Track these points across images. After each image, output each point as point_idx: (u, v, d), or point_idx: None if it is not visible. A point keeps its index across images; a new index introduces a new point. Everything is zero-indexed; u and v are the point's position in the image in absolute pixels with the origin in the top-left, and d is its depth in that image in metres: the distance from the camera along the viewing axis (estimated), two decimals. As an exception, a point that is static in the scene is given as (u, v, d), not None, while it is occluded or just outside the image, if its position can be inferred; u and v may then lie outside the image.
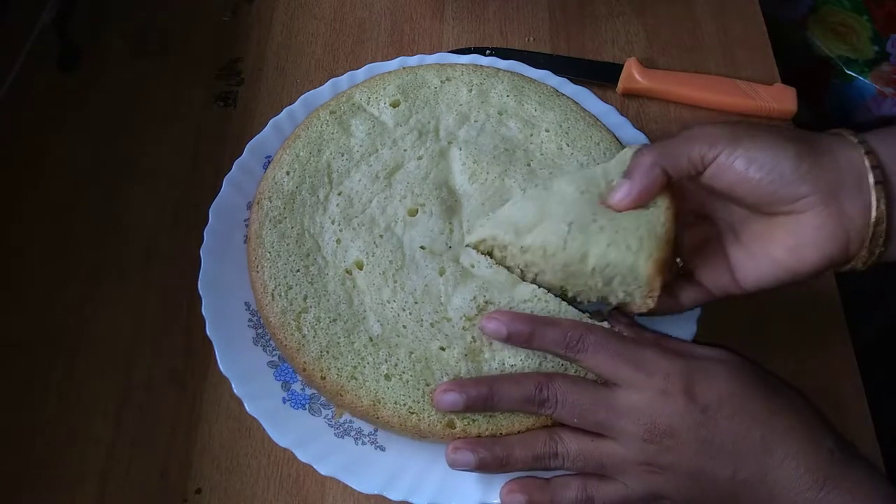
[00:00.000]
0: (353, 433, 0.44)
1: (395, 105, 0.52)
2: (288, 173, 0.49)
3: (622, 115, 0.56)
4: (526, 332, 0.41)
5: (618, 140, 0.52)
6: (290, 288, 0.45)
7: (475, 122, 0.51)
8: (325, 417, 0.45)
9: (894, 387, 0.63)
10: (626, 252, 0.41)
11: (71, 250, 0.57)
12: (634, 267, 0.41)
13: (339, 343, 0.44)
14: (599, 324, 0.43)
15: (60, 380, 0.52)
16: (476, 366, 0.43)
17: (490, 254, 0.45)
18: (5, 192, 0.59)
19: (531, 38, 0.68)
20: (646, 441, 0.39)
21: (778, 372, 0.42)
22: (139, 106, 0.63)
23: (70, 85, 0.64)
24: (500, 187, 0.48)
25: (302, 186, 0.48)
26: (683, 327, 0.47)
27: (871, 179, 0.38)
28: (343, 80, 0.56)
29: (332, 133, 0.50)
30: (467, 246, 0.46)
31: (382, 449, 0.44)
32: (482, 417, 0.42)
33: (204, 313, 0.46)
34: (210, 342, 0.45)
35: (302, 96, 0.55)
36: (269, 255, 0.46)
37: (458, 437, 0.41)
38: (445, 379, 0.42)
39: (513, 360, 0.43)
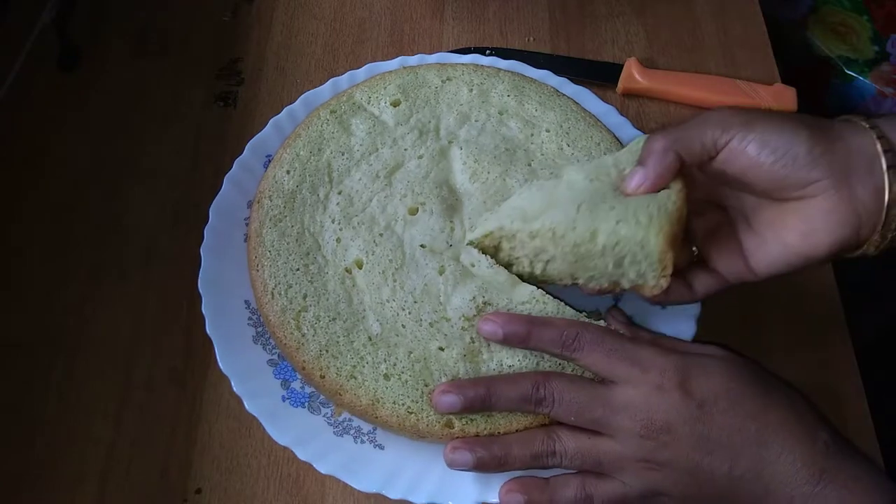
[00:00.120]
0: (352, 431, 0.44)
1: (395, 104, 0.52)
2: (288, 172, 0.49)
3: (622, 115, 0.56)
4: (522, 332, 0.41)
5: (618, 140, 0.52)
6: (290, 286, 0.45)
7: (476, 121, 0.51)
8: (324, 416, 0.45)
9: (894, 386, 0.63)
10: (635, 227, 0.40)
11: (71, 250, 0.57)
12: (645, 241, 0.40)
13: (338, 342, 0.44)
14: (596, 322, 0.42)
15: (60, 380, 0.52)
16: (474, 366, 0.43)
17: (496, 248, 0.45)
18: (5, 192, 0.59)
19: (531, 38, 0.68)
20: (643, 437, 0.39)
21: (778, 371, 0.42)
22: (139, 106, 0.63)
23: (70, 85, 0.64)
24: (502, 187, 0.48)
25: (302, 185, 0.48)
26: (683, 327, 0.47)
27: (883, 163, 0.38)
28: (343, 80, 0.56)
29: (333, 132, 0.50)
30: (471, 242, 0.45)
31: (381, 447, 0.44)
32: (480, 417, 0.42)
33: (204, 311, 0.46)
34: (210, 342, 0.45)
35: (302, 96, 0.55)
36: (269, 253, 0.46)
37: (457, 437, 0.41)
38: (444, 379, 0.42)
39: (511, 360, 0.43)
